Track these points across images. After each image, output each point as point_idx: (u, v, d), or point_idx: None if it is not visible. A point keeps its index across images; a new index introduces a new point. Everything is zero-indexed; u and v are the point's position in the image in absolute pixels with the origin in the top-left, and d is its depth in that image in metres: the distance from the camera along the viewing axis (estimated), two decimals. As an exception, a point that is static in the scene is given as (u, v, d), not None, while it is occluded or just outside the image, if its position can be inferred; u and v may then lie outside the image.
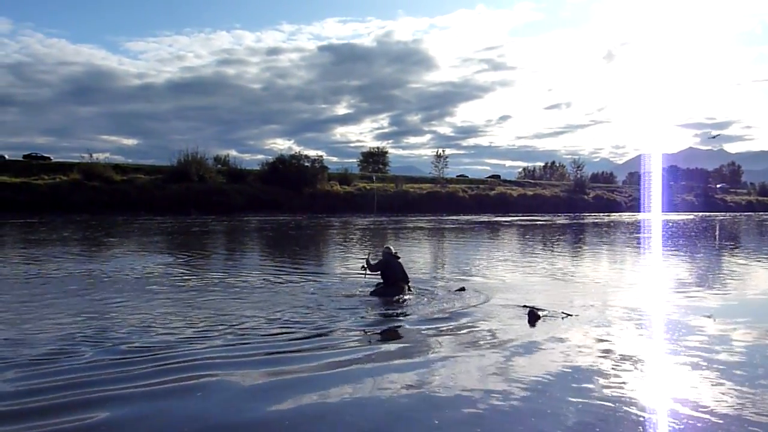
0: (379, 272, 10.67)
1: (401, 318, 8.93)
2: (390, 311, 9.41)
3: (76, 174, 57.49)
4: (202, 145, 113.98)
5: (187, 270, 14.87)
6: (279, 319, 8.56)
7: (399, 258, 10.97)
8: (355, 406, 5.18)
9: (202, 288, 11.58)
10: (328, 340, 7.38)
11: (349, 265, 15.55)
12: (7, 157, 66.63)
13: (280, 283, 12.31)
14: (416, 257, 18.31)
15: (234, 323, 8.22)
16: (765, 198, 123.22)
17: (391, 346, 7.35)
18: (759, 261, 19.19)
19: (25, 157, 68.32)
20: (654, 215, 72.43)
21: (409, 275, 10.88)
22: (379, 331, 8.20)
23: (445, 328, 8.08)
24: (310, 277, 13.15)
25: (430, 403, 5.22)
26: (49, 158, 69.17)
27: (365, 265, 10.77)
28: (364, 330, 8.12)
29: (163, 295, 10.56)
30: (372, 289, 10.73)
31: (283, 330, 7.85)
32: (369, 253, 11.94)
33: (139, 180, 61.46)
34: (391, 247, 11.24)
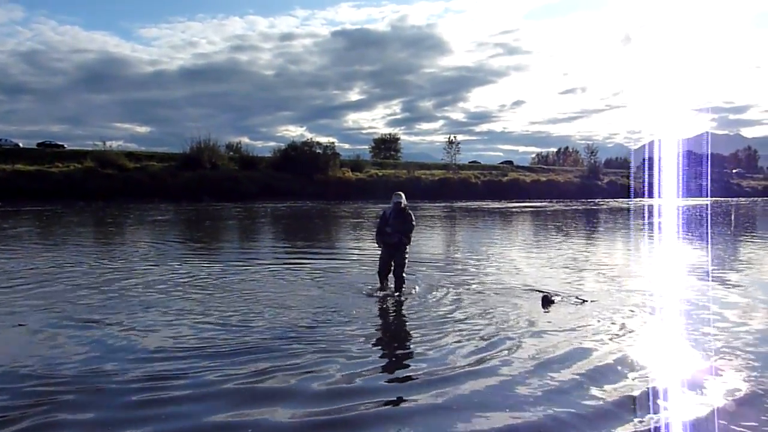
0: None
1: (403, 314, 8.35)
2: (389, 306, 8.62)
3: (90, 162, 57.98)
4: (215, 133, 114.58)
5: (195, 260, 14.89)
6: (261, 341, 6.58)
7: (401, 207, 9.24)
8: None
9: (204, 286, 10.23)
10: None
11: (362, 250, 15.50)
12: (21, 145, 67.30)
13: (270, 278, 10.89)
14: (428, 243, 18.22)
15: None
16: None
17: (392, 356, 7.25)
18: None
19: (39, 145, 68.96)
20: (669, 200, 71.63)
21: (398, 227, 9.17)
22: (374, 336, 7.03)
23: (453, 312, 8.00)
24: (319, 265, 13.09)
25: (441, 407, 5.16)
26: (63, 146, 69.74)
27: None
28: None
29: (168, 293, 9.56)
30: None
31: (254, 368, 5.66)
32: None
33: (152, 167, 61.84)
34: (399, 195, 9.36)
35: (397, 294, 9.12)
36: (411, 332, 7.15)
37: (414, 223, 9.37)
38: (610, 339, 6.76)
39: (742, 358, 6.07)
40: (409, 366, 5.86)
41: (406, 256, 9.38)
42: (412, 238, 9.52)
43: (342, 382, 5.34)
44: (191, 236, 21.95)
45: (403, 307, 8.51)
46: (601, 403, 4.86)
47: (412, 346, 6.57)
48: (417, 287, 9.75)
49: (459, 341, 6.56)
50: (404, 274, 9.37)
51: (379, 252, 9.57)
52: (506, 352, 6.19)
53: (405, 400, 4.95)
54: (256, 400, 4.90)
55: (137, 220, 29.25)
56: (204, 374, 5.45)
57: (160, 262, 13.04)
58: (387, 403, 4.89)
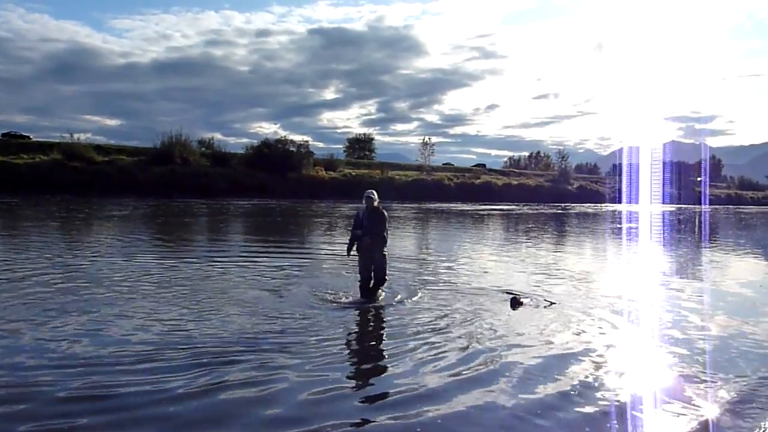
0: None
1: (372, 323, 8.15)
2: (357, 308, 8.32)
3: (57, 154, 56.46)
4: (188, 127, 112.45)
5: (157, 260, 14.67)
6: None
7: (374, 207, 8.72)
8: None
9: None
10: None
11: (334, 254, 15.49)
12: (-16, 134, 65.20)
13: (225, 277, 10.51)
14: (400, 243, 18.29)
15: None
16: (743, 192, 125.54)
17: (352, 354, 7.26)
18: (736, 252, 19.47)
19: (3, 135, 66.91)
20: (636, 206, 73.21)
21: (371, 228, 8.64)
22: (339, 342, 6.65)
23: (424, 318, 8.06)
24: (280, 269, 13.02)
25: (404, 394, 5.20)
26: (28, 137, 67.90)
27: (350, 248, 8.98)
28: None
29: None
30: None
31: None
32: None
33: (121, 161, 60.55)
34: (371, 194, 8.78)
35: (374, 295, 8.72)
36: (378, 343, 6.80)
37: (387, 221, 8.86)
38: (574, 340, 6.91)
39: (702, 360, 6.28)
40: (376, 385, 5.34)
41: (385, 254, 8.84)
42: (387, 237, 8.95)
43: (295, 408, 4.69)
44: (141, 233, 21.08)
45: (369, 313, 8.14)
46: (559, 403, 4.97)
47: (379, 360, 6.10)
48: (384, 292, 9.18)
49: (431, 353, 6.14)
50: (387, 277, 8.95)
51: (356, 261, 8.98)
52: (481, 366, 5.81)
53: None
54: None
55: (92, 215, 28.36)
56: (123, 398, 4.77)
57: (97, 259, 12.57)
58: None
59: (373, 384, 5.42)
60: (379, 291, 8.92)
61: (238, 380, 5.24)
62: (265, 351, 6.10)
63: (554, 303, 9.00)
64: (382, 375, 5.68)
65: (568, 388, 5.30)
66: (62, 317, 7.31)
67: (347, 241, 9.11)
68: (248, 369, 5.54)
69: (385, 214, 8.85)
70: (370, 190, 8.84)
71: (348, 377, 5.58)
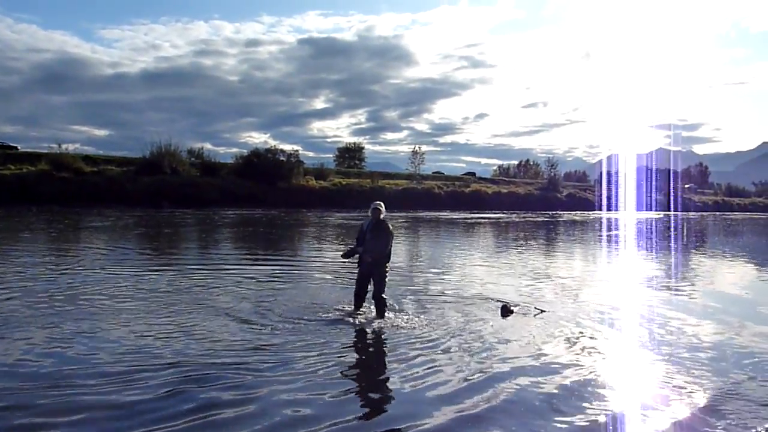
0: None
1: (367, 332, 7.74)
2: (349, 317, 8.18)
3: (45, 164, 56.13)
4: (177, 137, 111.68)
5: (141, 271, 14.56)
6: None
7: (380, 219, 8.42)
8: None
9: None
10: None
11: (323, 264, 15.46)
12: (-29, 145, 64.59)
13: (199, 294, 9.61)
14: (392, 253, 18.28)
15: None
16: (730, 198, 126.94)
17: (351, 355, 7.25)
18: (724, 258, 19.67)
19: (-9, 145, 66.36)
20: (625, 214, 73.75)
21: (373, 243, 8.26)
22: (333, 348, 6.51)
23: (420, 328, 8.07)
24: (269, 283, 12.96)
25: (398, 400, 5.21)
26: (16, 148, 67.39)
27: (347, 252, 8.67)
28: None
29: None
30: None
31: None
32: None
33: (109, 172, 60.23)
34: (378, 205, 8.51)
35: (377, 321, 8.08)
36: (373, 367, 6.29)
37: (391, 236, 8.43)
38: (565, 348, 6.94)
39: (692, 365, 6.34)
40: (372, 420, 4.77)
41: (386, 273, 8.39)
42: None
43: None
44: (118, 243, 20.16)
45: (363, 330, 7.69)
46: (550, 409, 4.99)
47: (375, 389, 5.58)
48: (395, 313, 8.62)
49: (433, 379, 5.67)
50: (385, 296, 8.33)
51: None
52: (491, 398, 5.28)
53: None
54: None
55: (71, 226, 27.82)
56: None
57: (66, 271, 12.14)
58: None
59: (368, 418, 4.80)
60: (387, 314, 8.31)
61: (208, 414, 4.64)
62: (243, 374, 5.58)
63: (545, 311, 9.05)
64: (379, 408, 5.08)
65: (588, 421, 4.82)
66: (19, 333, 6.90)
67: (347, 249, 8.72)
68: (221, 398, 4.95)
69: (390, 228, 8.47)
70: (378, 202, 8.59)
71: (338, 409, 4.87)
